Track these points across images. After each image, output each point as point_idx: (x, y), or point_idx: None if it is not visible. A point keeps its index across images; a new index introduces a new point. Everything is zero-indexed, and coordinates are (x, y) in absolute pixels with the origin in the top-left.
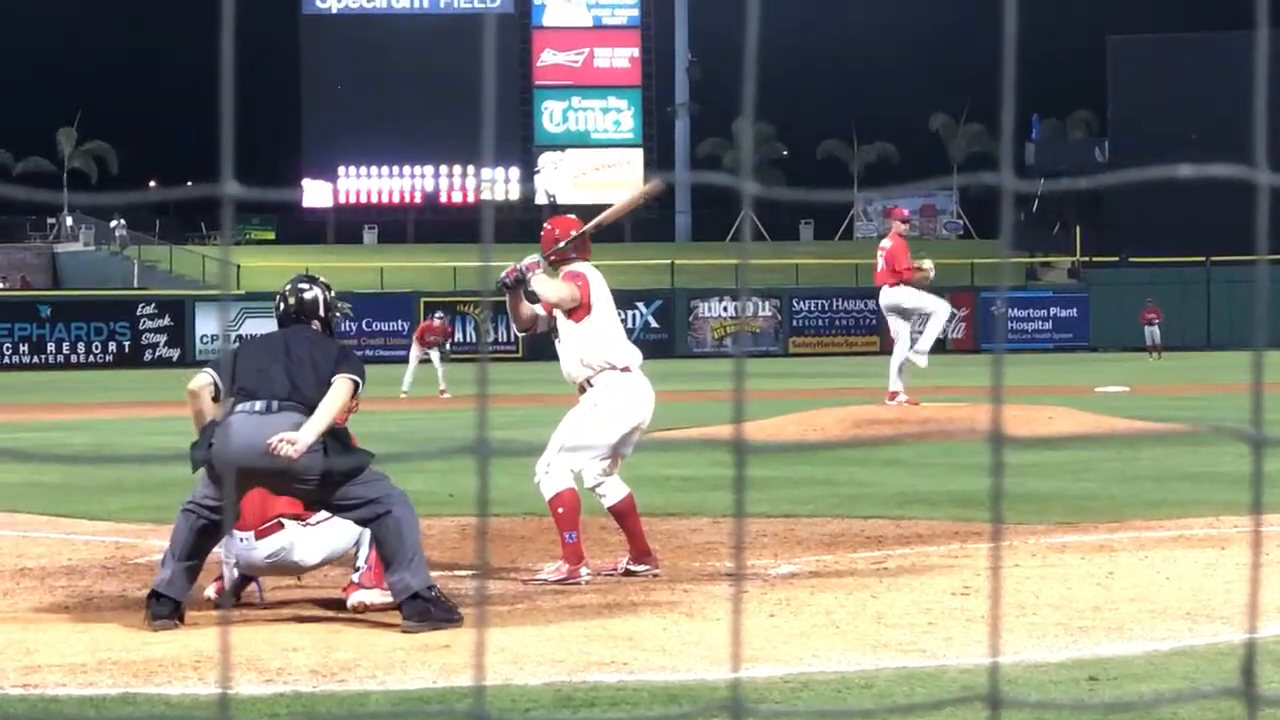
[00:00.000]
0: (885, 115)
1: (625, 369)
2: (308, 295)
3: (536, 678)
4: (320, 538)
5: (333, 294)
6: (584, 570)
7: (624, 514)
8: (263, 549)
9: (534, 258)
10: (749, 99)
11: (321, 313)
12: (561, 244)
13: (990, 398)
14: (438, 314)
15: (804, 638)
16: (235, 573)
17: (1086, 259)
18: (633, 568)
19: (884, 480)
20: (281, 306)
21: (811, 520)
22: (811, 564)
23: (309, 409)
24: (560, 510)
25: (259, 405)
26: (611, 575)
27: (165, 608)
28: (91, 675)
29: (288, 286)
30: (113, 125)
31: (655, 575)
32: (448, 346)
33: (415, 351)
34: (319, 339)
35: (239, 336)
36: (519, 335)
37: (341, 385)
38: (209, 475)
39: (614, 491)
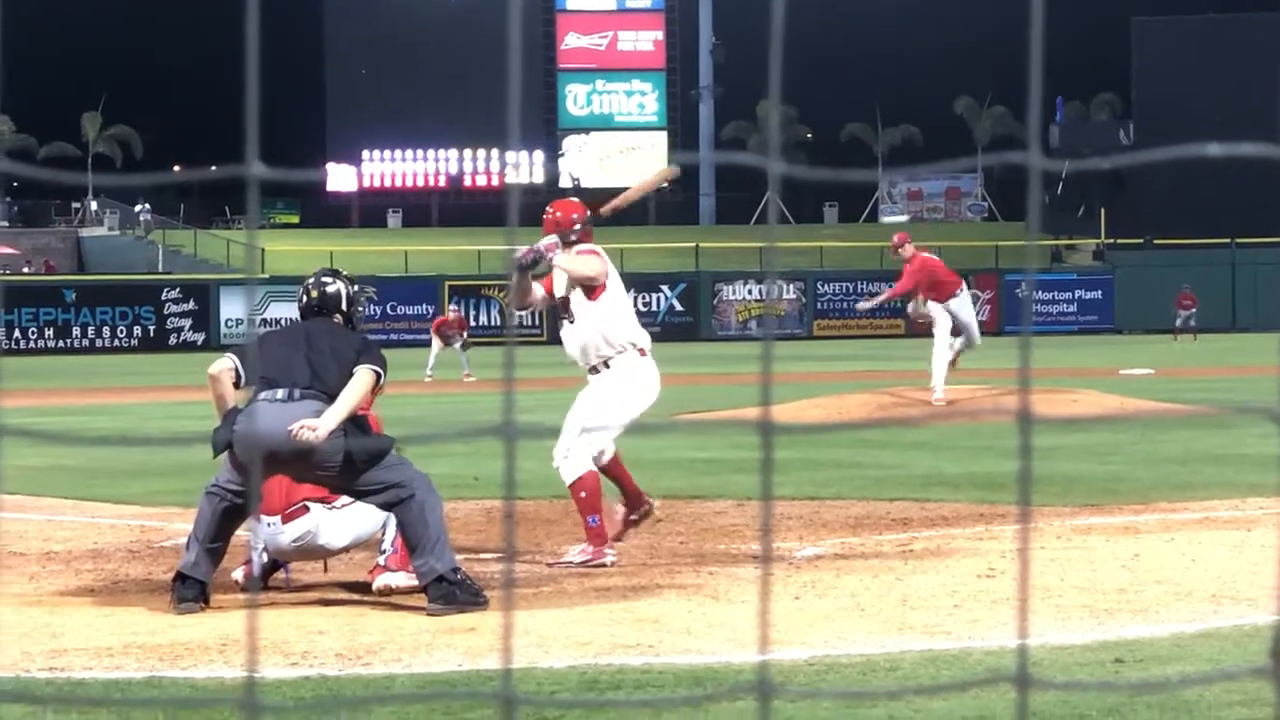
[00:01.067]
0: (909, 98)
1: (642, 351)
2: (330, 289)
3: (562, 660)
4: (346, 520)
5: (355, 289)
6: (609, 552)
7: (609, 467)
8: (289, 533)
9: (552, 238)
10: (775, 77)
11: (344, 306)
12: (578, 226)
13: (1018, 380)
14: (452, 307)
15: (829, 620)
16: (264, 558)
17: (1111, 241)
18: (635, 517)
19: (909, 463)
20: (304, 299)
21: (836, 503)
22: (836, 546)
23: (331, 398)
24: (583, 495)
25: (281, 393)
26: (632, 558)
27: (191, 590)
28: (117, 658)
29: (311, 280)
30: (137, 110)
31: (655, 518)
32: (465, 335)
33: (435, 342)
34: (341, 331)
35: (264, 320)
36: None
37: (364, 375)
38: (231, 461)
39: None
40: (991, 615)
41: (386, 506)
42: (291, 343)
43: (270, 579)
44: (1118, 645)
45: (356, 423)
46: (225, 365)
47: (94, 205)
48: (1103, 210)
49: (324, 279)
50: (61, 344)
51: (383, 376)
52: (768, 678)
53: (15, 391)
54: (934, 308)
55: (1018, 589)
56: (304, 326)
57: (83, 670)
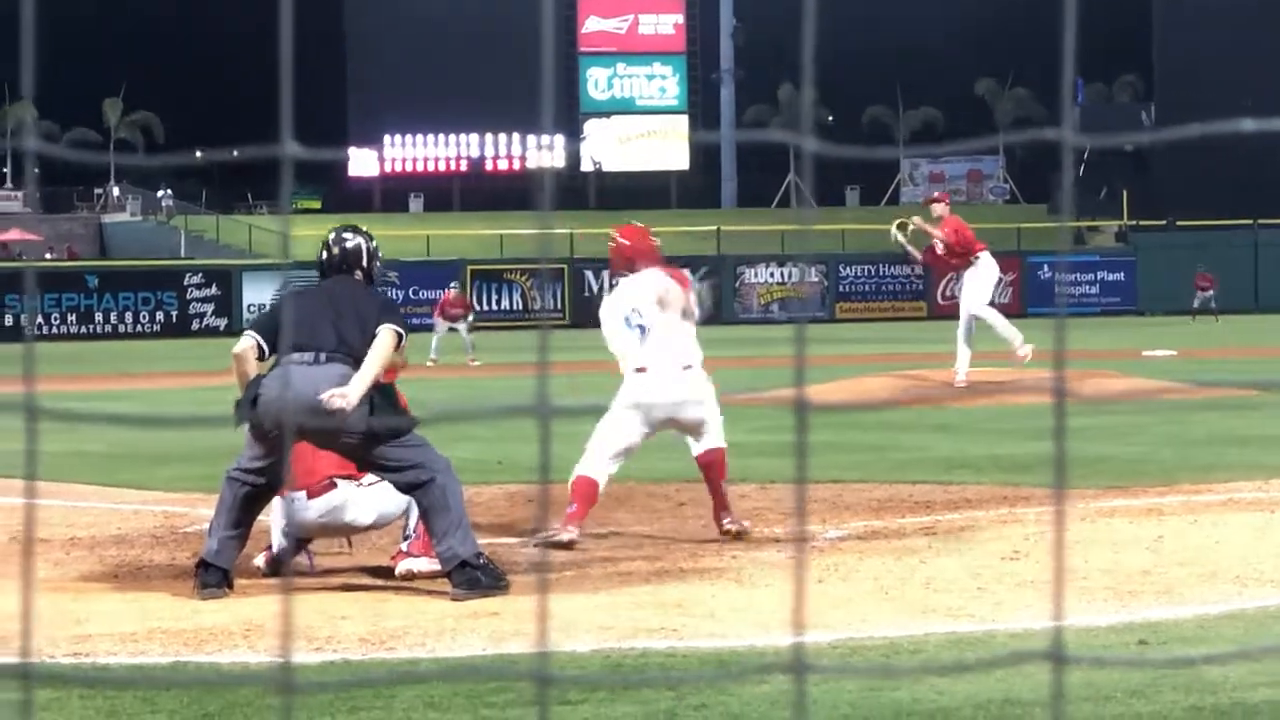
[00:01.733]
0: (930, 81)
1: (640, 370)
2: (350, 244)
3: (586, 645)
4: (372, 498)
5: (374, 244)
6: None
7: (707, 466)
8: (316, 508)
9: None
10: (808, 50)
11: (364, 262)
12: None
13: (1053, 362)
14: (453, 285)
15: (852, 603)
16: (285, 541)
17: (1134, 223)
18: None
19: (932, 445)
20: (324, 256)
21: (859, 486)
22: (860, 529)
23: (356, 361)
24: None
25: (308, 357)
26: (655, 543)
27: (214, 576)
28: (142, 644)
29: (331, 236)
30: (159, 95)
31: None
32: (470, 316)
33: (439, 324)
34: (362, 291)
35: (281, 296)
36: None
37: (386, 335)
38: (252, 435)
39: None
40: (1016, 598)
41: (407, 487)
42: (315, 307)
43: (292, 562)
44: (1142, 627)
45: (385, 395)
46: (248, 344)
47: (116, 191)
48: (1125, 192)
49: (344, 234)
50: (84, 330)
51: (405, 337)
52: (802, 656)
53: (38, 377)
54: (964, 286)
55: (1052, 558)
56: (325, 289)
57: (107, 656)
